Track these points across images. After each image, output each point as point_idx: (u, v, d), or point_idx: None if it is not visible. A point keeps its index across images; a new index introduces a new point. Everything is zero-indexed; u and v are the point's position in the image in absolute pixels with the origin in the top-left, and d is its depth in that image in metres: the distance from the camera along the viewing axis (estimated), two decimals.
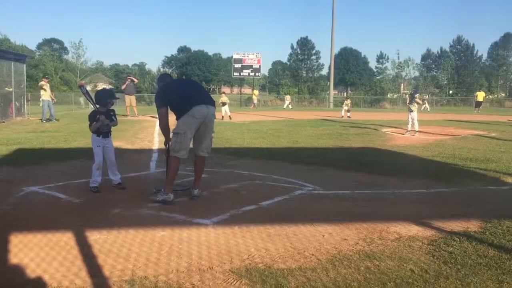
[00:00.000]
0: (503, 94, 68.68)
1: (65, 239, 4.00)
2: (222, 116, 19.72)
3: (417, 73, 63.99)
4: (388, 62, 68.30)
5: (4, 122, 17.25)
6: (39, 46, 75.57)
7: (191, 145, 5.47)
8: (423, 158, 9.24)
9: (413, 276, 3.24)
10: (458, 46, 68.48)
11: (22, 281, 3.17)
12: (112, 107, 6.25)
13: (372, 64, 76.63)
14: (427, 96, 47.55)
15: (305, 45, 72.27)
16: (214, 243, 3.95)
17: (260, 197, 5.59)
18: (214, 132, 5.73)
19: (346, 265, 3.43)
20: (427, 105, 36.81)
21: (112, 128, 6.16)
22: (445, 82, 65.98)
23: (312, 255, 3.67)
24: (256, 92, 44.40)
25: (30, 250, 3.73)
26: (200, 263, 3.49)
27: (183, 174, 6.49)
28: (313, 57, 72.39)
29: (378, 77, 70.39)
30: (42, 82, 19.23)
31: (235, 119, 20.66)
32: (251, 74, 43.72)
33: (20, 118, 19.54)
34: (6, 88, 18.58)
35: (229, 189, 6.16)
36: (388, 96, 55.44)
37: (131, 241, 3.98)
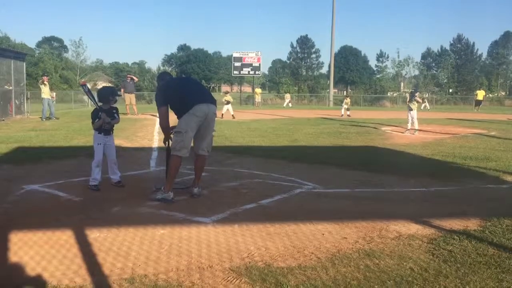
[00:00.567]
0: (503, 93, 68.64)
1: (65, 237, 4.01)
2: (222, 114, 19.69)
3: (417, 72, 63.99)
4: (388, 60, 68.35)
5: (4, 120, 17.24)
6: (39, 44, 75.44)
7: (191, 144, 5.47)
8: (423, 157, 9.25)
9: (412, 274, 3.24)
10: (458, 45, 68.41)
11: (22, 279, 3.17)
12: (114, 105, 6.25)
13: (372, 62, 76.67)
14: (427, 95, 47.54)
15: (305, 43, 72.22)
16: (214, 241, 3.95)
17: (260, 196, 5.60)
18: (215, 131, 5.73)
19: (345, 264, 3.44)
20: (427, 104, 36.79)
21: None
22: (445, 81, 65.95)
23: (312, 253, 3.68)
24: (259, 90, 44.41)
25: (30, 248, 3.73)
26: (200, 261, 3.49)
27: (183, 172, 6.49)
28: (313, 55, 72.38)
29: (378, 76, 70.39)
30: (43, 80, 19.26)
31: (235, 117, 20.64)
32: (251, 72, 43.68)
33: (19, 116, 19.54)
34: (6, 86, 18.58)
35: (229, 188, 6.17)
36: (388, 94, 55.44)
37: (131, 240, 3.98)
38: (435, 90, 61.13)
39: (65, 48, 75.26)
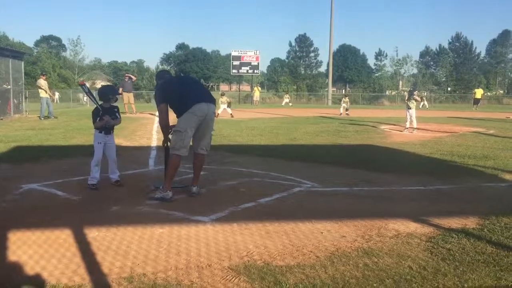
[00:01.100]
0: (501, 91, 68.71)
1: (64, 237, 4.00)
2: (218, 114, 19.66)
3: (415, 70, 64.04)
4: (386, 59, 68.33)
5: (2, 119, 17.20)
6: (37, 43, 75.28)
7: (190, 143, 5.46)
8: (421, 155, 9.25)
9: (411, 273, 3.25)
10: (457, 43, 68.42)
11: (21, 279, 3.17)
12: (115, 104, 6.25)
13: (371, 61, 76.71)
14: (425, 93, 47.57)
15: (303, 42, 72.15)
16: (212, 240, 3.96)
17: (258, 194, 5.60)
18: (214, 130, 5.73)
19: (344, 262, 3.44)
20: (425, 102, 36.82)
21: None
22: (443, 79, 66.01)
23: (311, 252, 3.68)
24: (258, 89, 44.43)
25: (28, 248, 3.73)
26: (199, 260, 3.49)
27: (182, 171, 6.48)
28: (312, 54, 72.28)
29: (376, 74, 70.45)
30: (40, 80, 19.22)
31: (234, 116, 20.63)
32: (250, 71, 43.72)
33: (18, 115, 19.49)
34: (4, 86, 18.53)
35: (228, 186, 6.17)
36: (387, 93, 55.48)
37: (130, 239, 3.98)
38: (433, 89, 61.18)
39: (63, 47, 75.08)
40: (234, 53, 43.60)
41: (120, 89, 20.99)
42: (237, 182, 6.40)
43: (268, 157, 8.91)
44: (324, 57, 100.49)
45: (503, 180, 6.82)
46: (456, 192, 6.10)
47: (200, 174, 5.70)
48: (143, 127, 14.97)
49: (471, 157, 8.78)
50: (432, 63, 70.72)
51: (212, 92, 6.67)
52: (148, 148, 9.94)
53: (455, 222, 4.49)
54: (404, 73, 62.69)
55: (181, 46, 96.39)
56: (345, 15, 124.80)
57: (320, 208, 5.13)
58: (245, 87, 69.01)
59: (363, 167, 7.64)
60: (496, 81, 71.74)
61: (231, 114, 20.41)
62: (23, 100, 21.01)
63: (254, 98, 41.14)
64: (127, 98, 21.89)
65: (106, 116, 5.92)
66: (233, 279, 3.15)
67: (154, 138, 11.57)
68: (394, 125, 16.57)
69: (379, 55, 73.75)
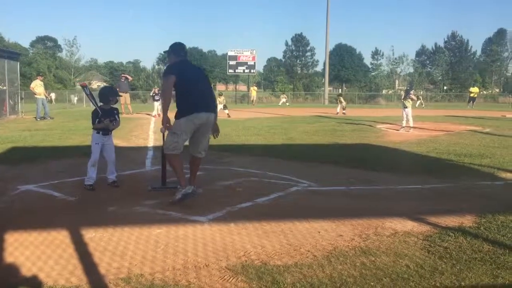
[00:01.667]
0: (497, 90, 68.93)
1: (61, 238, 4.00)
2: None
3: (411, 69, 64.14)
4: (383, 58, 68.35)
5: None
6: (33, 44, 74.94)
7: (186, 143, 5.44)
8: (417, 154, 9.28)
9: (408, 271, 3.26)
10: (453, 42, 68.55)
11: (18, 280, 3.16)
12: (115, 105, 6.23)
13: (367, 60, 76.51)
14: (421, 92, 47.67)
15: (299, 41, 72.06)
16: (210, 240, 3.96)
17: (255, 194, 5.60)
18: (219, 132, 5.62)
19: (342, 261, 3.45)
20: (422, 101, 36.89)
21: None
22: (439, 78, 66.14)
23: (308, 251, 3.68)
24: (255, 89, 44.42)
25: (25, 249, 3.72)
26: (196, 260, 3.49)
27: None
28: (308, 53, 72.19)
29: (373, 73, 70.46)
30: (36, 81, 19.17)
31: (230, 116, 20.62)
32: (246, 71, 43.65)
33: (14, 116, 19.43)
34: (0, 86, 18.47)
35: (225, 186, 6.16)
36: (383, 92, 55.55)
37: (127, 239, 3.97)
38: (429, 88, 61.33)
39: (59, 47, 74.79)
40: (230, 53, 43.52)
41: (117, 89, 20.95)
42: (234, 181, 6.40)
43: (265, 156, 8.91)
44: (321, 57, 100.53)
45: (499, 178, 6.84)
46: (452, 190, 6.12)
47: (197, 173, 5.69)
48: (139, 127, 14.95)
49: (467, 155, 8.81)
50: (428, 62, 70.81)
51: None
52: (145, 148, 9.93)
53: (451, 221, 4.50)
54: (401, 72, 62.83)
55: None
56: (341, 15, 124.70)
57: (317, 207, 5.14)
58: (242, 87, 68.92)
59: (360, 166, 7.65)
60: (492, 80, 71.96)
61: (227, 114, 20.40)
62: (19, 101, 20.94)
63: (252, 98, 41.14)
64: (124, 98, 21.80)
65: (106, 119, 5.91)
66: (231, 279, 3.15)
67: (151, 138, 11.56)
68: (391, 124, 16.60)
69: (375, 54, 73.78)
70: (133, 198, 5.39)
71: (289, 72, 70.62)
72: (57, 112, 22.80)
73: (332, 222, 4.48)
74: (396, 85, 62.03)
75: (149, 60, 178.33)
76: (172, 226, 4.33)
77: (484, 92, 60.46)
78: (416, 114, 16.40)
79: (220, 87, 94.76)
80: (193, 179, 5.61)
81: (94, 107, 6.04)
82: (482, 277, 3.15)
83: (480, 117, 20.86)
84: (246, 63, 42.70)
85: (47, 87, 25.48)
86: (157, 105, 21.31)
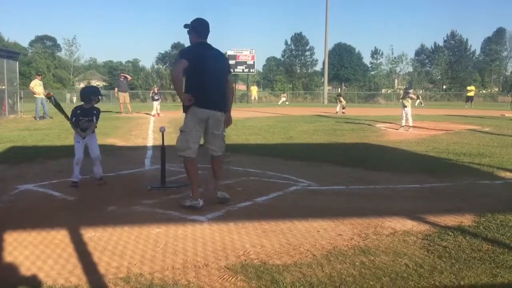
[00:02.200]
0: (496, 89, 69.00)
1: (60, 237, 3.99)
2: None
3: (411, 69, 64.26)
4: (382, 57, 68.42)
5: None
6: (32, 43, 74.86)
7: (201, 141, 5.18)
8: (417, 153, 9.28)
9: (407, 270, 3.26)
10: (452, 41, 68.70)
11: (17, 279, 3.16)
12: (97, 105, 6.24)
13: (367, 59, 76.57)
14: (421, 91, 47.70)
15: (299, 41, 72.11)
16: (209, 239, 3.95)
17: (255, 193, 5.60)
18: (226, 132, 5.46)
19: (341, 261, 3.45)
20: (421, 100, 36.92)
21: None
22: (438, 77, 66.25)
23: (307, 250, 3.69)
24: (255, 88, 44.47)
25: (24, 248, 3.72)
26: (196, 260, 3.49)
27: (178, 171, 6.49)
28: (307, 53, 72.27)
29: (372, 73, 70.54)
30: (36, 80, 19.16)
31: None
32: (245, 70, 43.63)
33: (13, 116, 19.43)
34: None
35: (224, 186, 6.14)
36: (382, 91, 55.60)
37: (126, 238, 3.97)
38: (429, 87, 61.38)
39: (58, 47, 74.74)
40: (229, 52, 43.42)
41: (115, 89, 20.94)
42: (233, 181, 6.39)
43: (264, 156, 8.91)
44: (320, 56, 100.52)
45: (499, 177, 6.85)
46: (451, 189, 6.11)
47: (220, 177, 5.34)
48: (138, 126, 14.92)
49: (466, 154, 8.81)
50: (427, 61, 70.94)
51: None
52: (144, 147, 9.92)
53: (451, 220, 4.50)
54: (400, 71, 62.92)
55: (177, 46, 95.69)
56: (340, 14, 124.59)
57: (317, 207, 5.14)
58: (241, 86, 68.87)
59: (359, 166, 7.65)
60: (491, 79, 72.04)
61: None
62: (18, 101, 20.94)
63: (252, 97, 41.17)
64: (123, 98, 21.83)
65: (77, 129, 6.04)
66: (230, 278, 3.15)
67: (150, 137, 11.55)
68: (390, 123, 16.61)
69: (374, 53, 73.82)
70: (132, 198, 5.39)
71: (288, 72, 70.67)
72: (56, 112, 22.76)
73: (331, 221, 4.48)
74: (396, 85, 62.09)
75: (148, 59, 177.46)
76: (171, 225, 4.33)
77: (483, 91, 60.53)
78: (415, 113, 16.42)
79: None
80: (216, 182, 5.30)
81: (75, 106, 6.11)
82: (481, 276, 3.15)
83: (479, 116, 20.88)
84: (245, 63, 42.70)
85: (46, 86, 25.42)
86: (156, 105, 21.34)
